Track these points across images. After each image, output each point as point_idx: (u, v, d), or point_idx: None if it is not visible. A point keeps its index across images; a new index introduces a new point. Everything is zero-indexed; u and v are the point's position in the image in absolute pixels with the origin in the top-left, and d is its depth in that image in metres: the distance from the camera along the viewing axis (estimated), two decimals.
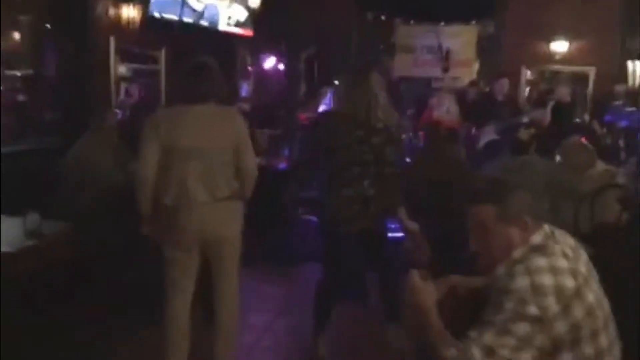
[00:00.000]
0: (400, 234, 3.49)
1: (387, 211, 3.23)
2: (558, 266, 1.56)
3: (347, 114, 3.16)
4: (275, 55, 7.35)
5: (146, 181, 2.72)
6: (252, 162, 2.90)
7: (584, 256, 1.69)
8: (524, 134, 4.16)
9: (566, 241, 1.70)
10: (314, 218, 5.36)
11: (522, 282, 1.53)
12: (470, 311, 1.79)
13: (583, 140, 7.24)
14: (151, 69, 6.25)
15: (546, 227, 1.71)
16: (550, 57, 8.59)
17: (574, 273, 1.57)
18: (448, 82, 9.53)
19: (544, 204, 4.00)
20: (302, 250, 4.96)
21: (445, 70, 9.15)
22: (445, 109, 6.57)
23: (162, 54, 6.09)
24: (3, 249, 2.67)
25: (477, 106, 7.53)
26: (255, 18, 6.60)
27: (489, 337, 1.53)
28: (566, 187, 3.93)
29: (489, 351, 1.52)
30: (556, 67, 8.62)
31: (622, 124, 6.66)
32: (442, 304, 1.84)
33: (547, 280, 1.53)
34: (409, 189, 3.42)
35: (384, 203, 3.18)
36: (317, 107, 6.61)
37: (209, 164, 2.77)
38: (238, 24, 6.52)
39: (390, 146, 3.16)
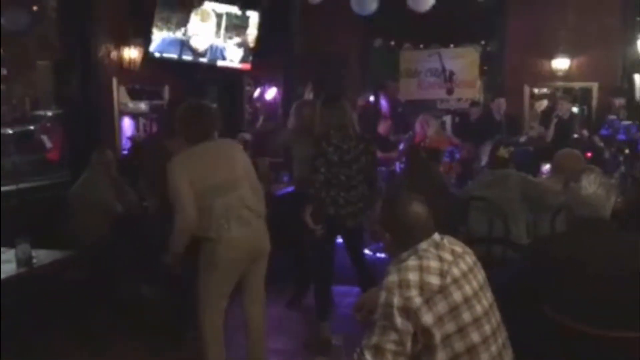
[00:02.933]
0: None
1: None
2: (427, 266, 1.79)
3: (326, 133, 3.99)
4: (276, 85, 7.66)
5: (192, 222, 2.98)
6: (259, 184, 3.30)
7: (467, 261, 1.90)
8: (503, 152, 4.29)
9: (452, 247, 1.90)
10: None
11: (392, 278, 1.76)
12: None
13: (588, 155, 7.36)
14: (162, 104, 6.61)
15: (435, 236, 1.93)
16: (552, 75, 8.67)
17: (443, 273, 1.78)
18: (453, 103, 9.74)
19: (524, 214, 4.15)
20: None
21: (450, 92, 9.34)
22: (435, 130, 6.80)
23: (166, 90, 6.44)
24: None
25: (478, 126, 7.72)
26: (254, 52, 6.90)
27: (374, 338, 1.72)
28: (536, 199, 4.06)
29: (377, 350, 1.71)
30: (559, 84, 8.69)
31: (620, 137, 6.70)
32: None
33: (412, 276, 1.76)
34: None
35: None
36: None
37: (237, 194, 3.08)
38: (239, 60, 6.84)
39: (367, 156, 4.05)
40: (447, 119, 9.18)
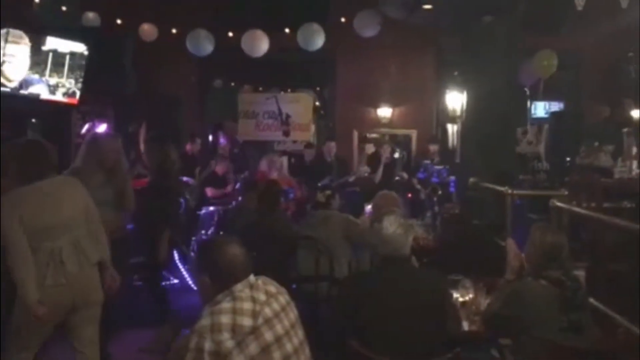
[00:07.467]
0: None
1: None
2: (240, 308, 1.86)
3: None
4: (106, 121, 7.40)
5: (29, 263, 2.77)
6: (100, 222, 3.19)
7: (280, 300, 2.00)
8: (320, 196, 4.58)
9: (266, 287, 2.00)
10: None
11: (205, 322, 1.80)
12: None
13: (408, 195, 8.00)
14: None
15: (251, 277, 2.01)
16: (378, 122, 9.43)
17: (255, 315, 1.86)
18: (289, 145, 10.13)
19: (347, 252, 4.42)
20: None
21: (286, 134, 9.70)
22: (278, 170, 7.05)
23: None
24: None
25: (312, 167, 8.10)
26: (83, 86, 6.62)
27: None
28: (356, 238, 4.36)
29: None
30: (384, 130, 9.46)
31: (433, 180, 7.44)
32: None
33: (225, 319, 1.81)
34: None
35: None
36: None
37: (77, 235, 2.98)
38: (66, 94, 6.50)
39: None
40: (284, 159, 9.50)
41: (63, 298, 2.93)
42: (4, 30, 5.58)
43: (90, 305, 3.07)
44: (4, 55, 5.65)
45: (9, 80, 5.79)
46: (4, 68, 5.69)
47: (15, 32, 5.79)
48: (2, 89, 5.71)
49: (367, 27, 7.74)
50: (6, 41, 5.63)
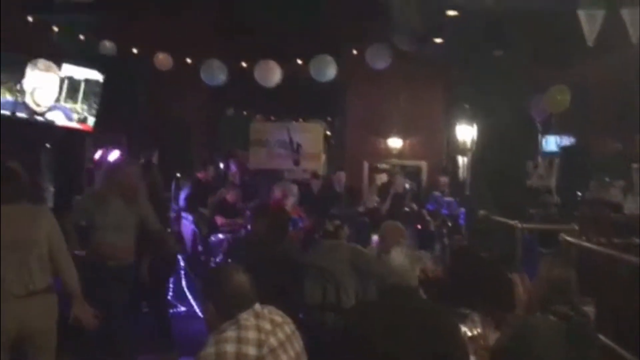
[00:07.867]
0: None
1: None
2: (245, 337, 1.85)
3: None
4: (119, 148, 7.48)
5: None
6: (67, 252, 3.11)
7: (285, 330, 2.00)
8: (329, 225, 4.57)
9: (272, 317, 2.00)
10: None
11: (210, 350, 1.80)
12: None
13: (418, 227, 7.96)
14: None
15: (256, 306, 2.00)
16: (388, 152, 9.48)
17: (260, 344, 1.86)
18: (299, 174, 10.18)
19: (354, 282, 4.39)
20: None
21: (297, 163, 9.76)
22: (292, 199, 7.05)
23: None
24: None
25: (320, 197, 8.11)
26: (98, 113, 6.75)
27: None
28: (364, 268, 4.34)
29: None
30: (394, 161, 9.49)
31: (443, 212, 7.43)
32: None
33: (229, 348, 1.81)
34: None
35: None
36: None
37: (24, 258, 2.91)
38: (80, 120, 6.62)
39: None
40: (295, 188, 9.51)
41: (7, 321, 2.86)
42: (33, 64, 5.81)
43: (41, 333, 2.99)
44: (34, 82, 5.85)
45: (38, 105, 5.95)
46: (35, 94, 5.88)
47: (44, 62, 6.00)
48: (19, 114, 5.85)
49: (379, 60, 7.84)
50: (36, 69, 5.85)
